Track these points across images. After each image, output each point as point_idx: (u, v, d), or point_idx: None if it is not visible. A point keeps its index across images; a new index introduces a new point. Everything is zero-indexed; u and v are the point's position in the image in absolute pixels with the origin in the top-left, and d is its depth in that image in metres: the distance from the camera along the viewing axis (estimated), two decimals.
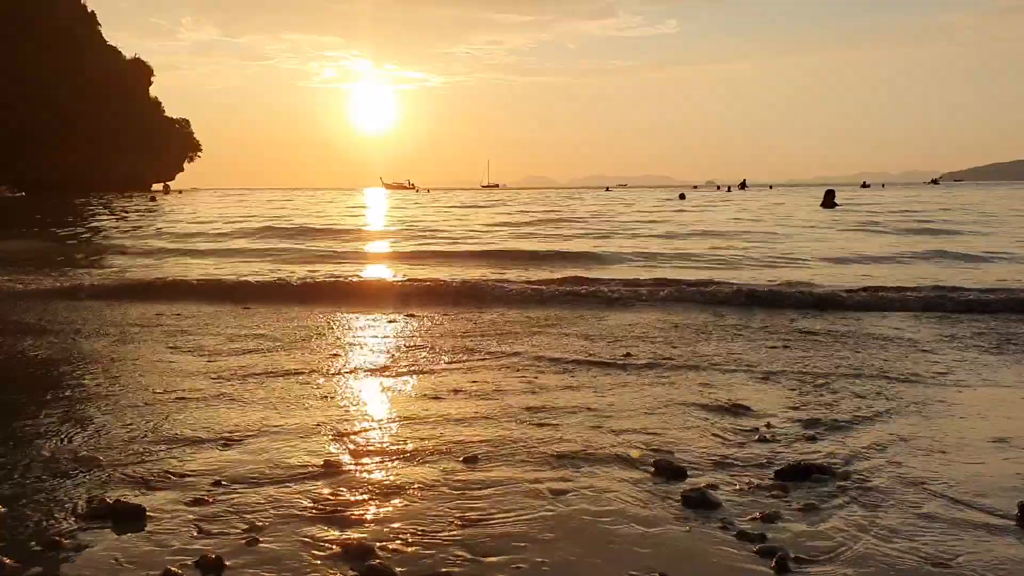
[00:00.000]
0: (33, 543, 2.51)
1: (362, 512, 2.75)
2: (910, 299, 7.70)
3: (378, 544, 2.48)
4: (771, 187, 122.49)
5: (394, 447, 3.44)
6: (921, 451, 3.38)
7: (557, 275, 10.11)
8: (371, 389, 4.56)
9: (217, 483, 2.99)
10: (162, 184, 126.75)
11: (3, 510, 2.74)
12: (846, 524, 2.66)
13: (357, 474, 3.12)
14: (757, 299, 7.94)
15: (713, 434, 3.60)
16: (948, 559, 2.42)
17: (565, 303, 8.03)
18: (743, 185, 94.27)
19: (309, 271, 11.24)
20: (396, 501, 2.85)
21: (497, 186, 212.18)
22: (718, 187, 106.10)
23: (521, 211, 32.57)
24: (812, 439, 3.54)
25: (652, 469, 3.12)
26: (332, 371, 4.98)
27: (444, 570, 2.35)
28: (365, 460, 3.28)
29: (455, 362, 5.22)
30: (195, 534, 2.57)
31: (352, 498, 2.87)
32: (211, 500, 2.83)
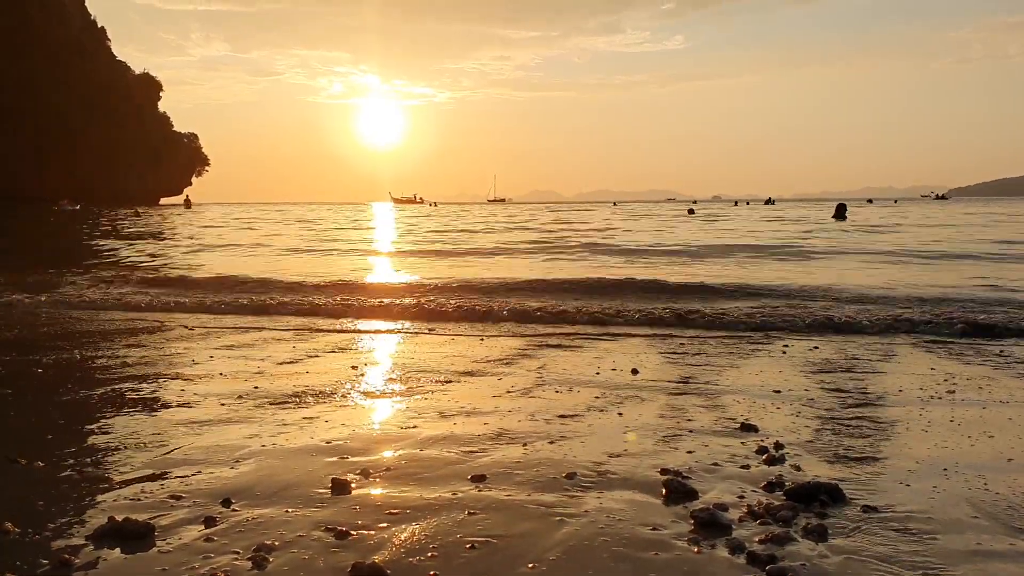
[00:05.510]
0: (42, 561, 2.51)
1: (372, 532, 2.74)
2: None
3: (387, 565, 2.47)
4: (772, 201, 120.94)
5: (402, 466, 3.44)
6: (934, 474, 3.36)
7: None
8: (379, 408, 4.55)
9: (226, 502, 2.98)
10: (183, 198, 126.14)
11: (13, 528, 2.75)
12: (856, 547, 2.64)
13: (366, 494, 3.11)
14: None
15: (723, 454, 3.59)
16: None
17: None
18: (769, 201, 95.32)
19: None
20: (405, 521, 2.83)
21: (503, 200, 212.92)
22: (736, 202, 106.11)
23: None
24: (822, 459, 3.52)
25: (663, 490, 3.11)
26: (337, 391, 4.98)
27: None
28: (373, 479, 3.27)
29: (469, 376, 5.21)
30: (204, 554, 2.56)
31: (361, 518, 2.86)
32: (220, 520, 2.83)
